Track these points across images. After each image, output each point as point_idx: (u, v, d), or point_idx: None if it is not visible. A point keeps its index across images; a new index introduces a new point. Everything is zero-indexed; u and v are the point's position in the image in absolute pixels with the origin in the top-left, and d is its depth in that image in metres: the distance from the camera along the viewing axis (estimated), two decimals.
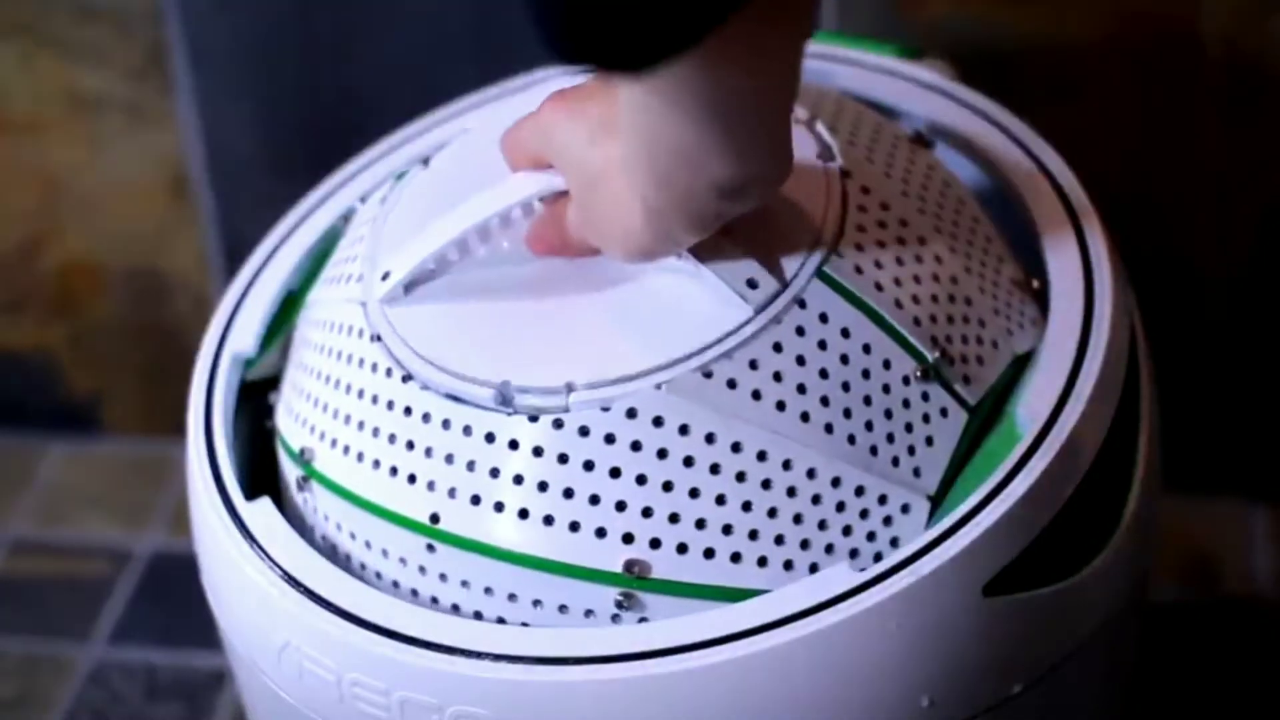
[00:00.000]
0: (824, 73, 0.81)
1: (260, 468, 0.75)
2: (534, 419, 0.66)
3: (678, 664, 0.64)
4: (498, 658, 0.65)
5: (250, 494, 0.72)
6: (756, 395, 0.66)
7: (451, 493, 0.67)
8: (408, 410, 0.68)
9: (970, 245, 0.72)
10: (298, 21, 1.07)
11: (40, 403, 1.23)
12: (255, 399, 0.77)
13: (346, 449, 0.70)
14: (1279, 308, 1.07)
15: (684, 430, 0.66)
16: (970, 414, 0.69)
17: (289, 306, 0.79)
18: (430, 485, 0.68)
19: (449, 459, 0.67)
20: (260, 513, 0.71)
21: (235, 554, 0.70)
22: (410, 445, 0.68)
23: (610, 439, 0.66)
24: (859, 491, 0.67)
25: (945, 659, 0.66)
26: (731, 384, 0.66)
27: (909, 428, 0.68)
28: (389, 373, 0.69)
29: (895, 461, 0.67)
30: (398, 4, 1.05)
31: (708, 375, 0.66)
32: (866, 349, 0.67)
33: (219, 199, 1.13)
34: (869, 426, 0.67)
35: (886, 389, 0.67)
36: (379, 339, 0.70)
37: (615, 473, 0.66)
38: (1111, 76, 1.02)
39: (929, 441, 0.68)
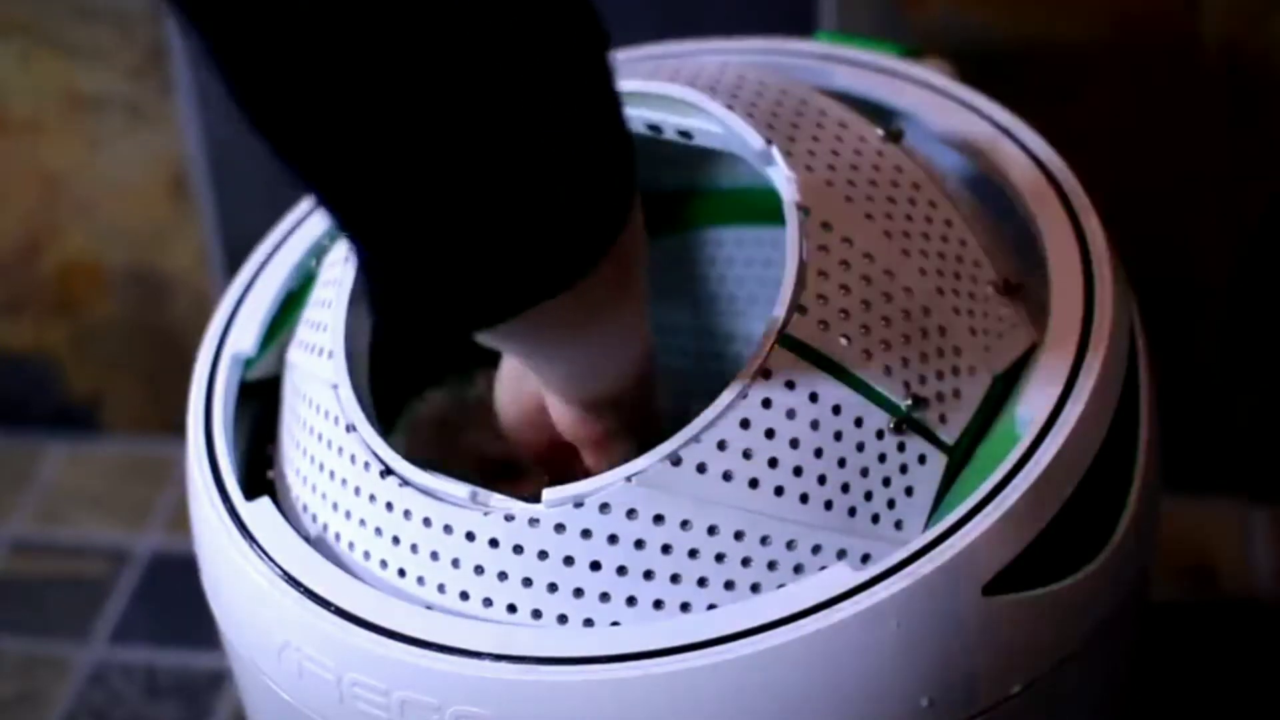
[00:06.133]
0: (824, 73, 0.81)
1: (260, 468, 0.75)
2: (509, 518, 0.66)
3: (678, 664, 0.64)
4: (498, 658, 0.65)
5: (250, 494, 0.72)
6: (728, 476, 0.65)
7: (441, 588, 0.67)
8: (389, 505, 0.68)
9: (943, 259, 0.70)
10: None
11: (40, 403, 1.23)
12: (255, 399, 0.77)
13: (338, 536, 0.69)
14: (1279, 308, 1.07)
15: (658, 520, 0.65)
16: (949, 455, 0.68)
17: (289, 306, 0.78)
18: (420, 580, 0.67)
19: (434, 556, 0.67)
20: (260, 513, 0.71)
21: (235, 554, 0.70)
22: (396, 540, 0.68)
23: (587, 534, 0.65)
24: (840, 554, 0.66)
25: (945, 659, 0.66)
26: (701, 468, 0.65)
27: (887, 482, 0.66)
28: (367, 466, 0.68)
29: (875, 519, 0.66)
30: None
31: (676, 463, 0.65)
32: (836, 410, 0.66)
33: (219, 199, 1.13)
34: (845, 489, 0.66)
35: (860, 447, 0.66)
36: (353, 429, 0.69)
37: (595, 566, 0.65)
38: (1111, 76, 1.02)
39: (909, 492, 0.67)
